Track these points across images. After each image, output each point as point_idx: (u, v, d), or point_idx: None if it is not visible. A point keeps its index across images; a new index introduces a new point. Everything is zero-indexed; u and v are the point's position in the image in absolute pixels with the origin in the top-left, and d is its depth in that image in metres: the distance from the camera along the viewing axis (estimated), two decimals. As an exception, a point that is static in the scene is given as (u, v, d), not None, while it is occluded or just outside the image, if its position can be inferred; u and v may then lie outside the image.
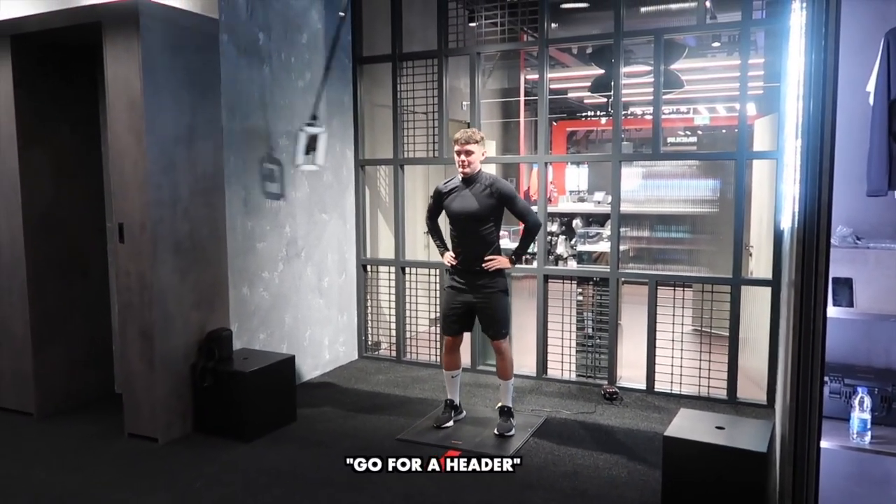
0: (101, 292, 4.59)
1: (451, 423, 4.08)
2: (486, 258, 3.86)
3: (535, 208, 4.82)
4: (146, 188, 3.70)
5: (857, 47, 2.73)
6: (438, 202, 4.01)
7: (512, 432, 3.94)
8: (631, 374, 4.95)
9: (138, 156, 3.71)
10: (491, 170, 4.01)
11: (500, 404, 4.07)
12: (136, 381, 3.87)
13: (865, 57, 2.67)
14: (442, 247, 4.12)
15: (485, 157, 3.91)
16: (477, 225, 3.86)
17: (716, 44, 9.15)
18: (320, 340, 5.25)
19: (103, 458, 3.69)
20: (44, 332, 4.25)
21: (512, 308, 5.46)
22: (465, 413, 4.26)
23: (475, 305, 3.93)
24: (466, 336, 4.23)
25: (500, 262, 3.87)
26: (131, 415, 3.93)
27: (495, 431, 3.94)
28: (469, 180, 3.87)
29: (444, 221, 4.11)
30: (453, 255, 3.97)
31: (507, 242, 6.17)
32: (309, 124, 4.56)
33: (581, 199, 10.32)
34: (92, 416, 4.29)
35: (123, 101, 3.73)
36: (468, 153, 3.81)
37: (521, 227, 4.05)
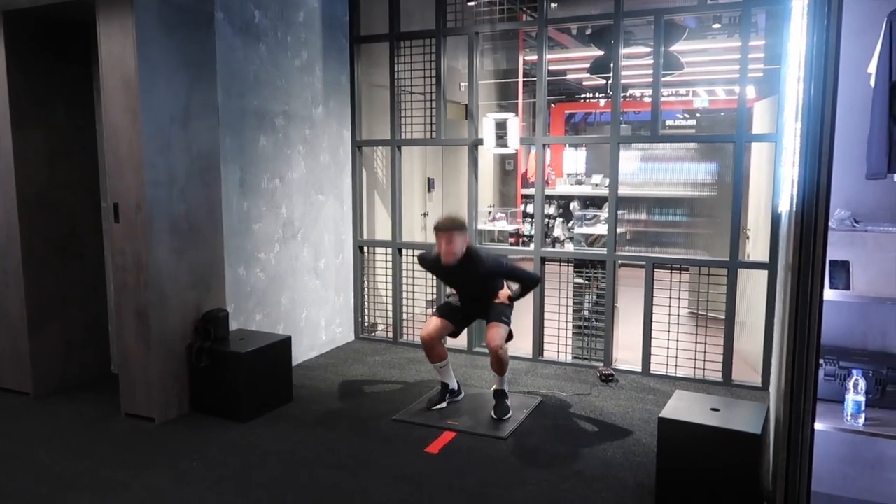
0: (96, 272, 4.57)
1: (443, 405, 4.10)
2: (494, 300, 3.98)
3: (531, 192, 4.80)
4: (141, 168, 3.67)
5: (858, 28, 2.70)
6: (432, 270, 4.18)
7: (509, 415, 3.95)
8: (627, 356, 4.97)
9: (133, 135, 3.67)
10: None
11: (494, 388, 4.07)
12: (133, 362, 3.87)
13: (867, 38, 2.65)
14: None
15: (467, 243, 3.85)
16: (477, 291, 4.01)
17: (716, 25, 9.08)
18: (317, 322, 5.25)
19: (100, 437, 3.70)
20: (40, 312, 4.24)
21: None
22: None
23: (478, 315, 4.10)
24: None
25: (500, 297, 3.97)
26: (128, 395, 3.93)
27: (492, 415, 3.95)
28: (458, 262, 3.83)
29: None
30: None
31: (504, 224, 6.18)
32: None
33: (579, 182, 10.31)
34: (89, 395, 4.29)
35: (118, 80, 3.69)
36: (450, 243, 3.73)
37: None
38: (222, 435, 3.73)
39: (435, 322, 4.03)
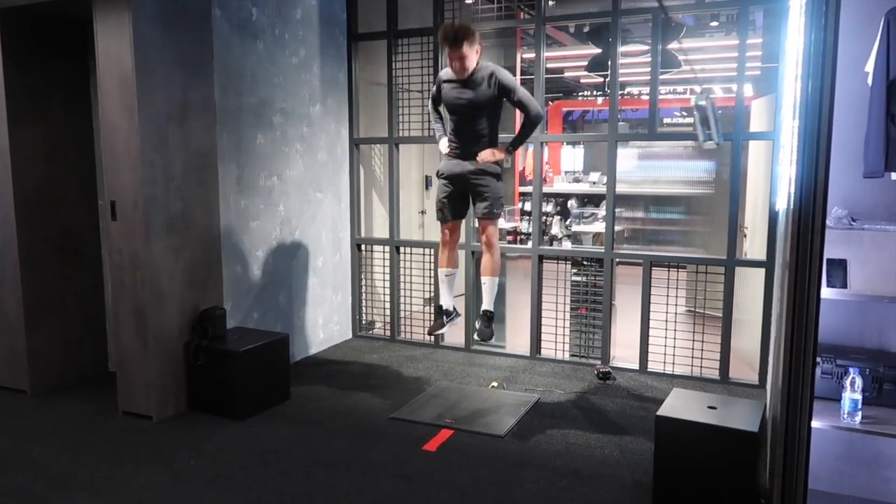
0: (94, 270, 4.56)
1: (444, 329, 4.06)
2: (481, 154, 3.70)
3: (529, 189, 4.80)
4: (138, 166, 3.67)
5: (856, 26, 2.70)
6: (440, 89, 3.84)
7: (492, 338, 3.92)
8: (624, 353, 4.98)
9: (130, 133, 3.67)
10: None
11: (483, 308, 3.96)
12: (130, 360, 3.87)
13: (865, 36, 2.65)
14: (440, 131, 3.98)
15: (480, 53, 3.65)
16: (474, 115, 3.70)
17: (714, 23, 9.08)
18: (314, 319, 5.25)
19: (98, 435, 3.69)
20: (37, 310, 4.23)
21: (506, 288, 5.48)
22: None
23: (468, 185, 3.79)
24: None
25: (494, 153, 3.71)
26: (125, 393, 3.93)
27: (475, 336, 3.85)
28: (471, 73, 3.66)
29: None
30: (449, 143, 3.83)
31: (502, 222, 6.18)
32: (698, 96, 4.14)
33: (576, 180, 10.31)
34: (86, 393, 4.29)
35: (115, 78, 3.68)
36: (462, 58, 3.53)
37: (520, 122, 3.86)
38: (219, 433, 3.73)
39: (448, 226, 3.92)
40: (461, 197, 3.87)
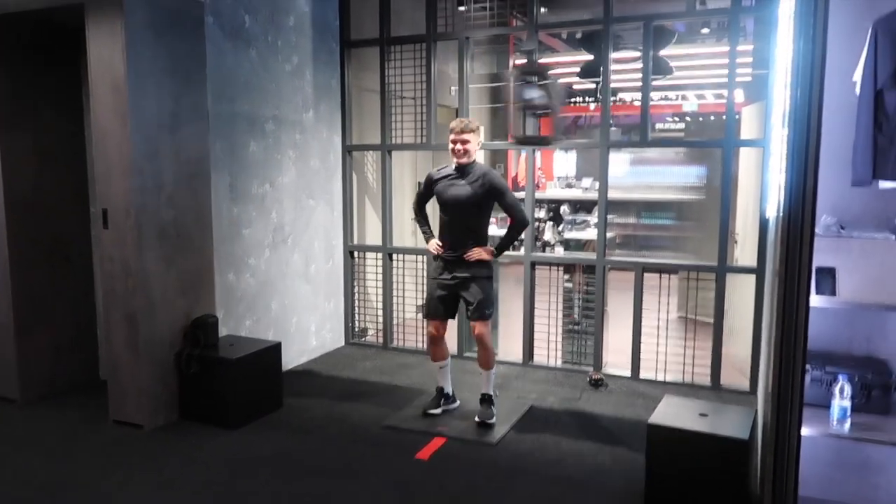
0: (85, 278, 4.54)
1: (438, 410, 4.09)
2: (469, 251, 3.85)
3: (522, 195, 4.82)
4: (130, 173, 3.66)
5: (845, 36, 2.72)
6: (429, 188, 4.00)
7: (493, 420, 3.94)
8: (617, 360, 4.98)
9: (122, 140, 3.66)
10: (480, 156, 3.99)
11: (481, 392, 4.06)
12: (121, 368, 3.85)
13: (853, 46, 2.67)
14: (428, 233, 4.10)
15: (480, 146, 3.91)
16: (466, 215, 3.87)
17: (705, 30, 9.13)
18: (307, 327, 5.24)
19: (88, 444, 3.67)
20: (27, 317, 4.21)
21: (498, 294, 5.48)
22: (458, 403, 4.22)
23: (459, 288, 3.91)
24: (452, 324, 4.21)
25: (482, 253, 3.87)
26: (116, 401, 3.91)
27: (476, 419, 3.94)
28: (462, 170, 3.86)
29: (431, 208, 4.10)
30: (439, 244, 3.96)
31: (495, 229, 6.19)
32: None
33: (569, 186, 10.32)
34: (76, 402, 4.26)
35: (107, 85, 3.67)
36: (464, 142, 3.81)
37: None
38: (211, 442, 3.72)
39: (435, 324, 4.04)
40: (451, 298, 3.97)
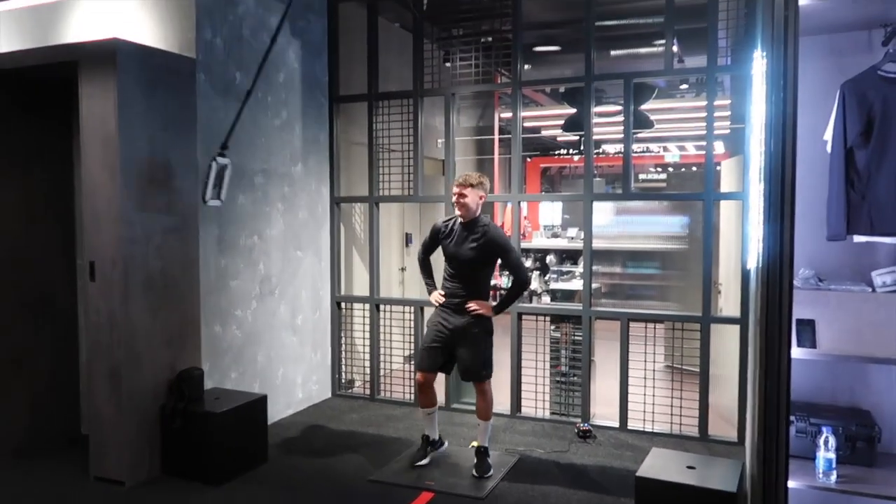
0: (68, 330, 4.50)
1: (426, 461, 4.05)
2: (470, 303, 3.89)
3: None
4: (118, 225, 3.68)
5: (815, 96, 2.84)
6: (434, 240, 4.07)
7: (490, 473, 3.91)
8: (604, 411, 4.97)
9: (112, 193, 3.69)
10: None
11: (476, 444, 4.05)
12: (103, 422, 3.79)
13: (823, 105, 2.79)
14: (431, 285, 4.15)
15: (483, 200, 3.97)
16: (467, 270, 3.93)
17: (684, 85, 9.42)
18: (293, 379, 5.20)
19: (68, 502, 3.58)
20: (8, 371, 4.15)
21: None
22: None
23: (456, 345, 3.93)
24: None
25: (483, 308, 3.90)
26: (97, 457, 3.83)
27: (473, 473, 3.90)
28: (467, 225, 3.93)
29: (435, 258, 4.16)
30: (441, 293, 4.00)
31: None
32: (220, 154, 4.28)
33: (555, 235, 10.43)
34: (57, 458, 4.18)
35: (98, 139, 3.72)
36: (462, 196, 3.87)
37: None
38: (194, 499, 3.64)
39: (424, 374, 4.04)
40: (445, 352, 3.98)
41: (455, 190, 3.93)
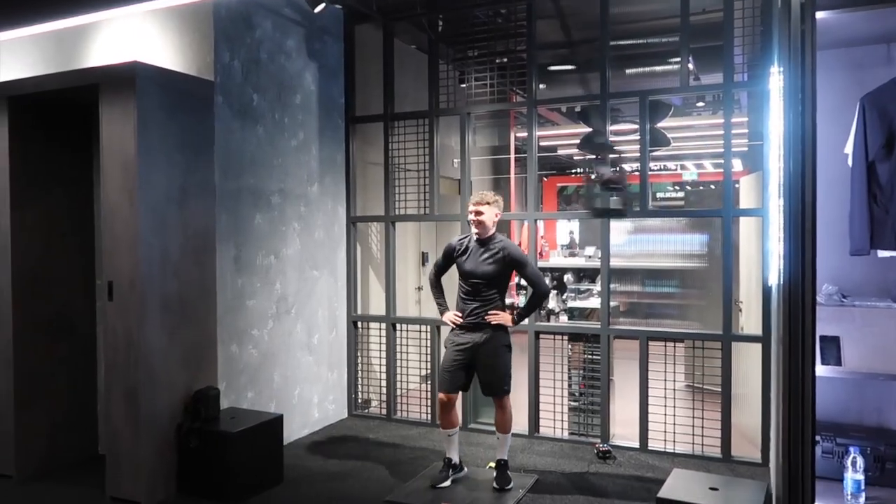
0: (87, 351, 4.53)
1: (447, 483, 4.01)
2: (490, 314, 3.93)
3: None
4: (136, 247, 3.71)
5: (836, 109, 2.81)
6: (448, 259, 4.11)
7: (511, 485, 3.91)
8: (624, 431, 4.89)
9: (130, 215, 3.73)
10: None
11: (497, 458, 4.03)
12: (120, 443, 3.79)
13: (844, 118, 2.75)
14: (443, 305, 4.16)
15: (498, 217, 4.02)
16: (484, 286, 3.95)
17: (700, 103, 9.37)
18: (309, 398, 5.18)
19: (83, 523, 3.58)
20: (26, 391, 4.18)
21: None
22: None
23: (477, 361, 3.95)
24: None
25: (503, 317, 3.94)
26: (114, 477, 3.83)
27: (494, 485, 3.91)
28: (482, 241, 3.98)
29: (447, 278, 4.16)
30: (457, 313, 4.01)
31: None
32: None
33: (572, 254, 10.38)
34: (74, 478, 4.18)
35: (117, 162, 3.77)
36: (478, 213, 3.94)
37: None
38: (210, 519, 3.62)
39: (447, 395, 4.03)
40: (467, 368, 4.00)
41: (471, 208, 3.97)
